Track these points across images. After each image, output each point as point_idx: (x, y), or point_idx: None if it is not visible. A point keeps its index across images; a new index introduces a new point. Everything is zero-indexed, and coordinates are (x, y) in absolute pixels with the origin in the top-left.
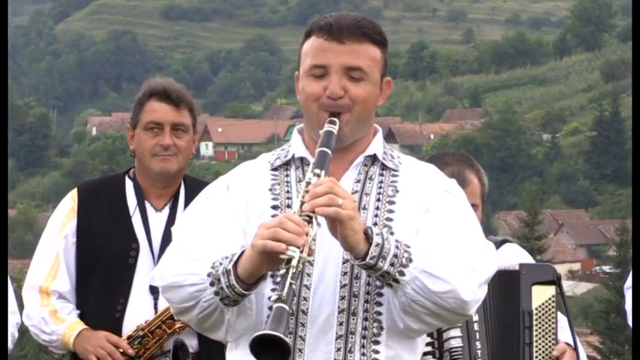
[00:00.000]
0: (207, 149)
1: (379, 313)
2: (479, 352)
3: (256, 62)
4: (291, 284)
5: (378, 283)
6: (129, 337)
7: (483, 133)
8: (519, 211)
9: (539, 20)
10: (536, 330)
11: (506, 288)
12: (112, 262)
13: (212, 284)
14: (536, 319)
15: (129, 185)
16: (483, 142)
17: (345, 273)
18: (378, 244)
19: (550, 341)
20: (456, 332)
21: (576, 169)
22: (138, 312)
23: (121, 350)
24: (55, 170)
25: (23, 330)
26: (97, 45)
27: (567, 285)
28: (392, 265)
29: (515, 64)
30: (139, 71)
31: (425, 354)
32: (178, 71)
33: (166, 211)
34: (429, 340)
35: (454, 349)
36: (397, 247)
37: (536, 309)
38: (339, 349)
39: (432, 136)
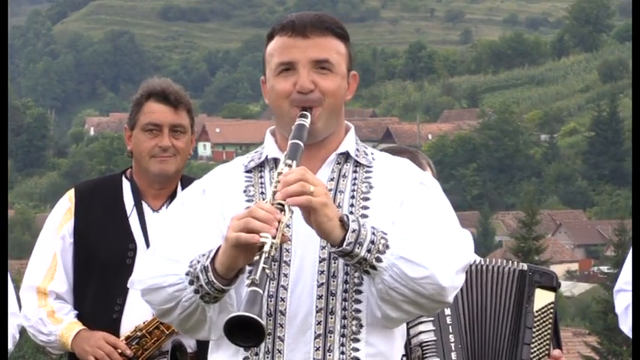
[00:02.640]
0: (204, 150)
1: (358, 311)
2: (452, 345)
3: (254, 62)
4: (264, 268)
5: (356, 280)
6: (127, 338)
7: (481, 134)
8: (517, 211)
9: (537, 20)
10: (534, 332)
11: (511, 285)
12: (109, 263)
13: (191, 283)
14: (536, 322)
15: (126, 185)
16: (481, 142)
17: (322, 272)
18: (354, 230)
19: (544, 345)
20: (426, 327)
21: (574, 170)
22: (136, 313)
23: (119, 351)
24: (52, 171)
25: (22, 331)
26: (94, 45)
27: (565, 285)
28: (369, 251)
29: (513, 65)
30: (137, 71)
31: None
32: (176, 71)
33: (163, 211)
34: None
35: (425, 343)
36: (374, 233)
37: (537, 312)
38: (318, 349)
39: (429, 137)
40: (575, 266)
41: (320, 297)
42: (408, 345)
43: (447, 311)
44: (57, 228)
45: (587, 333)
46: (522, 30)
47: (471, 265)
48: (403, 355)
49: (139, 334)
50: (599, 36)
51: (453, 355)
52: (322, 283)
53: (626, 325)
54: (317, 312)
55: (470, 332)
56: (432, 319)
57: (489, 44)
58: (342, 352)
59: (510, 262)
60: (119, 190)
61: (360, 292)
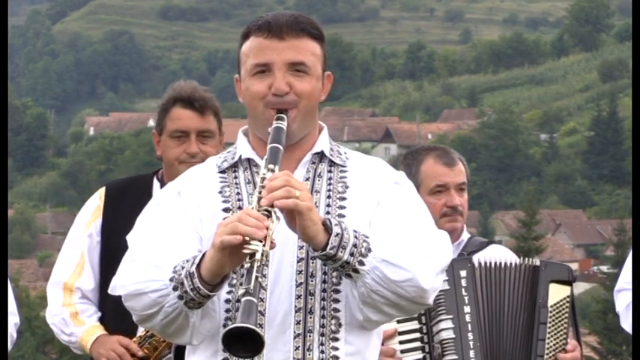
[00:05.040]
0: None
1: (337, 310)
2: (471, 342)
3: None
4: (257, 277)
5: (334, 279)
6: (140, 338)
7: (481, 133)
8: (517, 211)
9: (537, 20)
10: (549, 327)
11: (524, 281)
12: None
13: (175, 289)
14: (551, 317)
15: (156, 186)
16: (481, 142)
17: (300, 272)
18: (337, 234)
19: (561, 340)
20: (447, 324)
21: (574, 169)
22: None
23: (132, 353)
24: (52, 170)
25: (21, 330)
26: (94, 45)
27: None
28: (352, 254)
29: (513, 64)
30: (137, 71)
31: (415, 349)
32: (176, 71)
33: None
34: (417, 335)
35: (445, 341)
36: (356, 237)
37: (552, 307)
38: (297, 348)
39: (429, 136)
40: (575, 266)
41: (299, 297)
42: (430, 342)
43: (467, 309)
44: (85, 225)
45: (587, 333)
46: (522, 30)
47: (492, 263)
48: (427, 353)
49: (149, 333)
50: (599, 36)
51: (471, 353)
52: (301, 283)
53: (627, 323)
54: (296, 311)
55: (489, 330)
56: (452, 316)
57: (489, 44)
58: (322, 352)
59: (524, 258)
60: (149, 191)
61: (338, 291)
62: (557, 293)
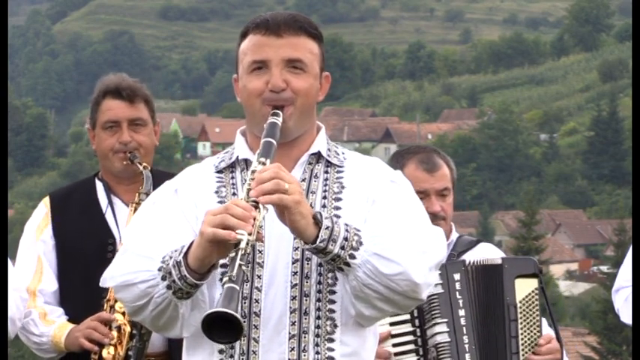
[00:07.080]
0: (204, 149)
1: (332, 311)
2: (466, 346)
3: None
4: (240, 265)
5: (329, 280)
6: (105, 310)
7: (481, 133)
8: (517, 211)
9: (537, 20)
10: (521, 322)
11: (490, 282)
12: (92, 260)
13: (164, 278)
14: (521, 312)
15: (99, 186)
16: (481, 142)
17: (296, 273)
18: (327, 227)
19: (535, 333)
20: (441, 328)
21: (574, 169)
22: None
23: (105, 322)
24: (52, 170)
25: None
26: (94, 45)
27: (565, 285)
28: (342, 248)
29: (513, 64)
30: (137, 71)
31: (408, 352)
32: (176, 71)
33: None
34: (411, 338)
35: (440, 345)
36: (347, 230)
37: (520, 302)
38: (292, 349)
39: (429, 136)
40: (574, 266)
41: (294, 298)
42: (424, 345)
43: (462, 312)
44: (36, 232)
45: (587, 333)
46: (522, 30)
47: (483, 265)
48: (421, 356)
49: (111, 302)
50: (599, 36)
51: (467, 356)
52: (295, 284)
53: (627, 316)
54: (291, 313)
55: (483, 333)
56: (447, 320)
57: (489, 44)
58: (317, 352)
59: (487, 259)
60: (93, 191)
61: (333, 292)
62: (524, 288)
